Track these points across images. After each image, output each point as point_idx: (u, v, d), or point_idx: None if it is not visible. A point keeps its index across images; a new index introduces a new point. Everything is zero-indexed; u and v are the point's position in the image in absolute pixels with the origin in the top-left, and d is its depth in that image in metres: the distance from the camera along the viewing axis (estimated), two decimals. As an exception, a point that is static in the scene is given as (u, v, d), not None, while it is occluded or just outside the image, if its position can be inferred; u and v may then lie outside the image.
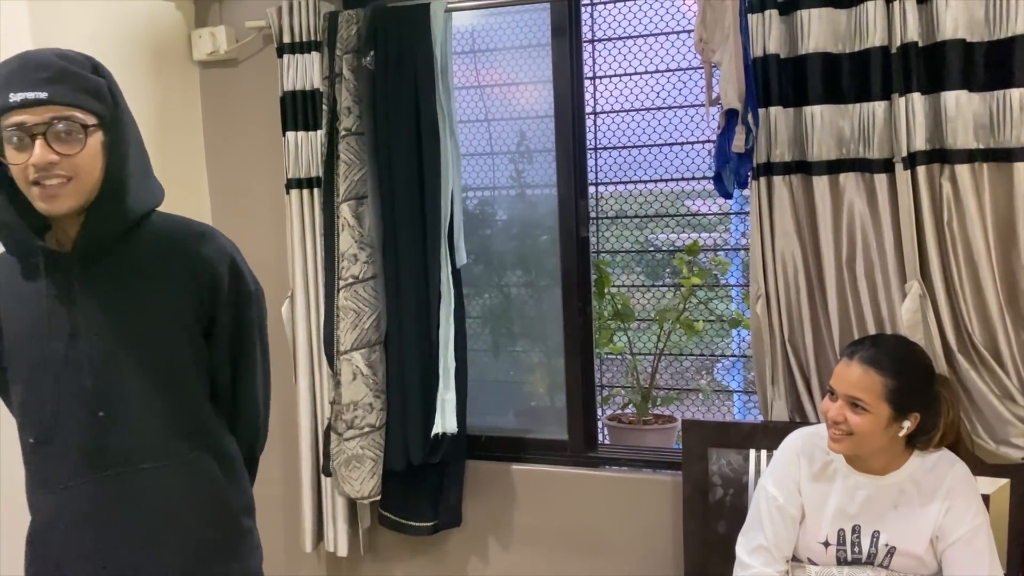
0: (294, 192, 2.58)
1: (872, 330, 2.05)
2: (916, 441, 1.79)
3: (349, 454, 2.47)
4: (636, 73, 2.78)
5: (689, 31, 2.68)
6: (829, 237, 2.07)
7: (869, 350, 1.74)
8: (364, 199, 2.47)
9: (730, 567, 1.91)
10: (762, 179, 2.12)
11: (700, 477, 2.20)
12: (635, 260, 3.09)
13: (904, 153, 1.96)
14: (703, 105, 2.14)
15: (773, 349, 2.15)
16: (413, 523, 2.59)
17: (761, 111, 2.06)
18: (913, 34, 1.94)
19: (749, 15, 2.04)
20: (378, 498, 2.53)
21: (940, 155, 1.97)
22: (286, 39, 2.54)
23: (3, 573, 2.14)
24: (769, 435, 2.10)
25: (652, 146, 2.80)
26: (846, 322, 2.09)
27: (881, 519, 1.78)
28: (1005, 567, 1.90)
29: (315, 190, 2.56)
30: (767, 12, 2.05)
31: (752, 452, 2.14)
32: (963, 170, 1.93)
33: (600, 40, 2.76)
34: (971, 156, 1.93)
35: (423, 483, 2.57)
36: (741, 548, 1.89)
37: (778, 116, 2.08)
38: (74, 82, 1.36)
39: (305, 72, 2.54)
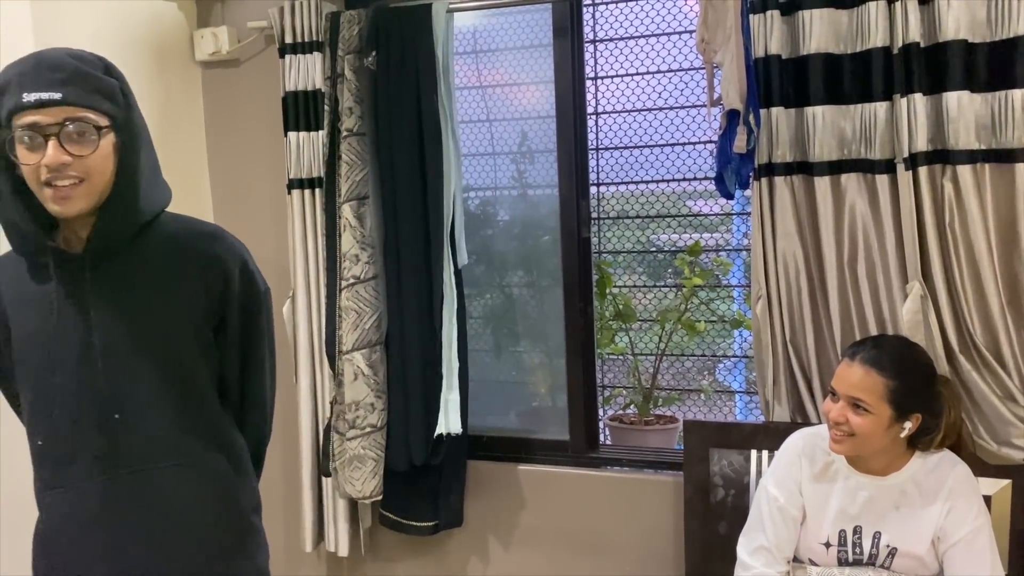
0: (296, 192, 2.58)
1: (873, 331, 2.05)
2: (917, 442, 1.79)
3: (351, 454, 2.47)
4: (638, 73, 2.78)
5: (691, 31, 2.68)
6: (830, 238, 2.07)
7: (870, 351, 1.75)
8: (366, 199, 2.47)
9: (731, 568, 1.91)
10: (763, 180, 2.12)
11: (701, 478, 2.20)
12: (637, 260, 3.09)
13: (906, 154, 1.96)
14: (705, 105, 2.14)
15: (774, 350, 2.15)
16: (414, 523, 2.59)
17: (763, 112, 2.06)
18: (915, 35, 1.94)
19: (751, 15, 2.04)
20: (379, 498, 2.54)
21: (942, 156, 1.97)
22: (288, 39, 2.54)
23: (4, 573, 2.14)
24: (770, 436, 2.10)
25: (654, 146, 2.80)
26: (847, 323, 2.09)
27: (882, 520, 1.78)
28: (1006, 568, 1.89)
29: (317, 190, 2.56)
30: (769, 13, 2.05)
31: (753, 453, 2.14)
32: (965, 171, 1.93)
33: (602, 40, 2.76)
34: (973, 157, 1.93)
35: (424, 483, 2.56)
36: (742, 549, 1.89)
37: (780, 117, 2.08)
38: (88, 83, 1.35)
39: (307, 72, 2.54)
